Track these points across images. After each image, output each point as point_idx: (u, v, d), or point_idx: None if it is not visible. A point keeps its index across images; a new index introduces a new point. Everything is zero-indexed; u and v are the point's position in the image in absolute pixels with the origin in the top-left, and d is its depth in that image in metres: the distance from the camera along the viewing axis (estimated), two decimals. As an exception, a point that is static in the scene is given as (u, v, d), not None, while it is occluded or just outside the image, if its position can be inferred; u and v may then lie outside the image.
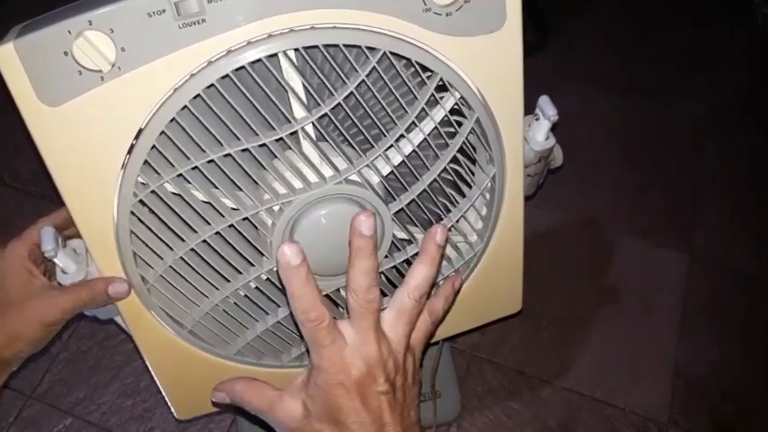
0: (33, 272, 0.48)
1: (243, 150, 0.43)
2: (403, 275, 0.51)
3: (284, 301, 0.51)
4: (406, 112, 0.46)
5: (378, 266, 0.42)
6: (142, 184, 0.43)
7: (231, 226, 0.45)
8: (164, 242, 0.46)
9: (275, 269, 0.48)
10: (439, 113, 0.47)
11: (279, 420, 0.45)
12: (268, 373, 0.55)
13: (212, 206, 0.45)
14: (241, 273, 0.49)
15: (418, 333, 0.47)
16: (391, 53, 0.43)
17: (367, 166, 0.46)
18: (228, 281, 0.49)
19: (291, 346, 0.55)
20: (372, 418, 0.42)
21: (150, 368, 0.53)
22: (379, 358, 0.43)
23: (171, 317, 0.50)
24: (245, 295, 0.50)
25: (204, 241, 0.46)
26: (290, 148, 0.44)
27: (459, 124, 0.48)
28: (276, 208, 0.46)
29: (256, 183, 0.44)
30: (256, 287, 0.50)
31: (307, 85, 0.43)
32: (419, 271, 0.45)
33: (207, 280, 0.48)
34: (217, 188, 0.44)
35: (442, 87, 0.46)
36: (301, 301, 0.41)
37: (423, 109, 0.46)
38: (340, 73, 0.42)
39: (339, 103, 0.43)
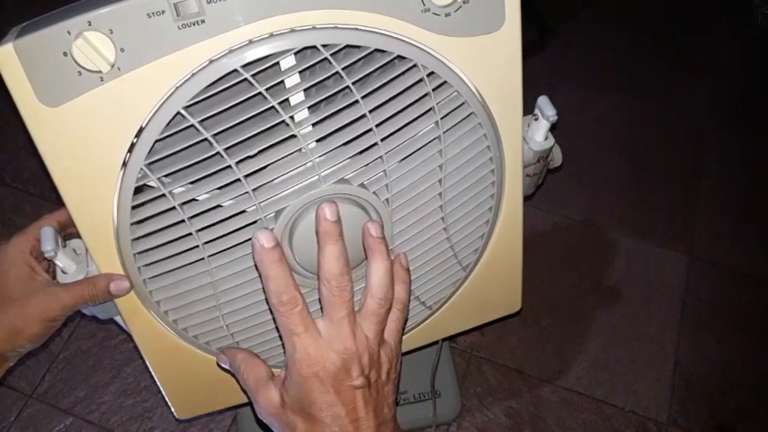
0: (35, 267, 0.48)
1: (242, 150, 0.43)
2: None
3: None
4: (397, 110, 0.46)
5: (347, 254, 0.43)
6: (142, 184, 0.43)
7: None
8: (164, 242, 0.46)
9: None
10: (440, 113, 0.47)
11: (260, 404, 0.46)
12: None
13: (212, 206, 0.45)
14: (241, 272, 0.49)
15: (390, 326, 0.47)
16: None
17: (366, 166, 0.46)
18: (228, 280, 0.49)
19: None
20: (346, 411, 0.43)
21: (150, 368, 0.54)
22: (354, 352, 0.43)
23: (171, 317, 0.50)
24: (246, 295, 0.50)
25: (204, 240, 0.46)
26: (290, 148, 0.44)
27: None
28: (276, 208, 0.46)
29: (256, 182, 0.44)
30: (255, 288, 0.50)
31: (305, 85, 0.43)
32: (374, 269, 0.45)
33: (207, 280, 0.48)
34: (217, 188, 0.44)
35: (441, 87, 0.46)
36: (274, 282, 0.42)
37: (421, 109, 0.46)
38: (342, 73, 0.42)
39: (338, 104, 0.43)
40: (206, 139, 0.42)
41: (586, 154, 1.00)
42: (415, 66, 0.44)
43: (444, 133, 0.48)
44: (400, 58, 0.43)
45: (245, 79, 0.40)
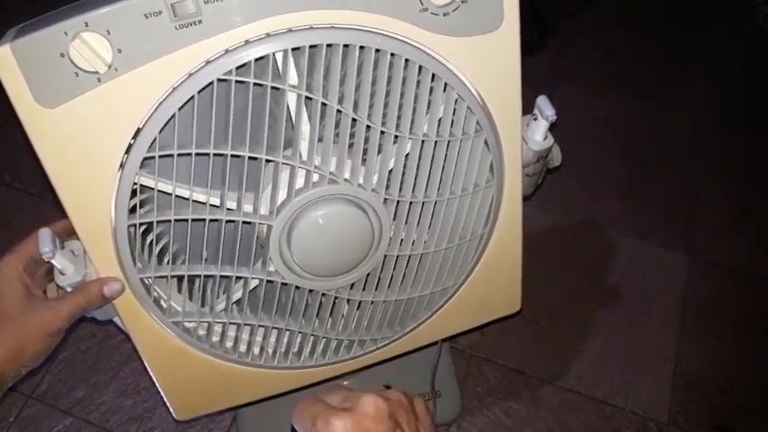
0: (29, 286, 0.48)
1: (241, 150, 0.43)
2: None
3: (280, 307, 0.51)
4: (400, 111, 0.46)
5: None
6: (139, 184, 0.43)
7: (229, 224, 0.45)
8: (162, 241, 0.46)
9: (272, 269, 0.48)
10: (436, 113, 0.47)
11: None
12: (264, 374, 0.55)
13: (210, 205, 0.45)
14: (241, 272, 0.49)
15: None
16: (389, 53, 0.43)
17: (364, 166, 0.46)
18: (228, 280, 0.49)
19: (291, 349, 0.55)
20: None
21: (149, 369, 0.53)
22: None
23: (169, 317, 0.50)
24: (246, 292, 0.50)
25: (204, 240, 0.46)
26: (288, 148, 0.44)
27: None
28: (274, 208, 0.46)
29: (254, 182, 0.44)
30: (254, 288, 0.50)
31: (303, 85, 0.42)
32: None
33: (207, 279, 0.48)
34: (215, 188, 0.44)
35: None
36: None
37: (419, 109, 0.45)
38: (341, 73, 0.42)
39: (336, 104, 0.43)
40: (205, 138, 0.41)
41: (586, 154, 0.99)
42: (413, 65, 0.44)
43: (443, 132, 0.47)
44: (397, 57, 0.43)
45: (243, 78, 0.40)
